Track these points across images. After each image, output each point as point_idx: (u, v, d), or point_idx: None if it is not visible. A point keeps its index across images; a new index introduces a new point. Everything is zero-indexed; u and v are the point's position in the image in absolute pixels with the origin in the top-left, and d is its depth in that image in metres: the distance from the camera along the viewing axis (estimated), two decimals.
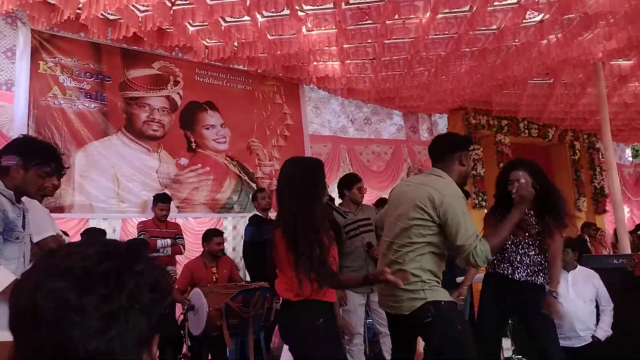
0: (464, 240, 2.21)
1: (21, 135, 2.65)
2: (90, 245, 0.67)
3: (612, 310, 3.70)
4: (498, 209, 2.95)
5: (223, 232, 4.54)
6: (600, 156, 9.90)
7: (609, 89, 6.93)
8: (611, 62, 6.38)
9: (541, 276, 2.92)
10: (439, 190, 2.28)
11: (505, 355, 4.26)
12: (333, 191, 7.02)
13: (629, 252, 5.85)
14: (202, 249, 4.47)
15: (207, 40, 5.19)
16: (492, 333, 2.98)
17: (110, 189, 5.35)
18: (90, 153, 5.27)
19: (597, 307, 3.78)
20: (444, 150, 2.50)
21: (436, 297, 2.29)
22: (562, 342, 3.64)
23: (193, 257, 4.97)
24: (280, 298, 2.27)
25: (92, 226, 4.53)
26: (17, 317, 0.62)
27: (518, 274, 2.91)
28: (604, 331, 3.65)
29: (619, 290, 3.74)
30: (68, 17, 4.13)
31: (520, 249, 2.94)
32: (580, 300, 3.67)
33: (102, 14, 4.50)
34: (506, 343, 4.38)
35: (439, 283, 2.36)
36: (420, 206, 2.28)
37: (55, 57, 5.06)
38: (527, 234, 2.93)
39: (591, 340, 3.62)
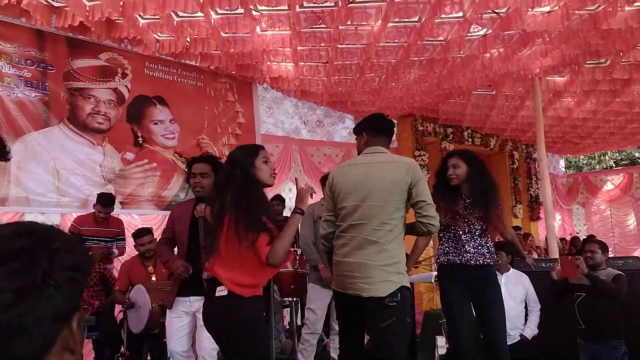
0: (431, 212, 2.42)
1: None
2: (7, 226, 0.69)
3: (539, 310, 3.96)
4: (437, 190, 3.13)
5: (151, 231, 4.35)
6: (537, 166, 10.51)
7: (545, 103, 7.39)
8: (547, 78, 6.80)
9: (488, 257, 3.05)
10: (410, 164, 2.47)
11: (439, 353, 4.44)
12: (282, 191, 7.09)
13: (557, 256, 6.25)
14: None
15: (159, 34, 5.09)
16: (468, 324, 2.99)
17: (49, 182, 5.13)
18: (29, 144, 5.04)
19: (525, 307, 4.03)
20: (389, 131, 2.65)
21: (405, 282, 2.39)
22: None
23: None
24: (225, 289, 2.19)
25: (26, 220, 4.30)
26: None
27: (472, 260, 3.00)
28: (531, 330, 3.89)
29: (546, 292, 4.01)
30: (9, 1, 3.94)
31: (467, 237, 3.04)
32: (512, 301, 3.89)
33: (46, 0, 4.33)
34: (441, 341, 4.56)
35: None
36: (398, 182, 2.39)
37: None
38: (467, 222, 3.03)
39: (519, 338, 3.86)
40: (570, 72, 6.48)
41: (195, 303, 2.99)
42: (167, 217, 3.27)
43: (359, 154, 2.65)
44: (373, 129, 2.61)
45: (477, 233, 3.04)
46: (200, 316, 2.81)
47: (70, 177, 5.27)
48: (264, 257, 2.12)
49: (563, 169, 13.25)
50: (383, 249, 2.36)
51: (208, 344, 2.89)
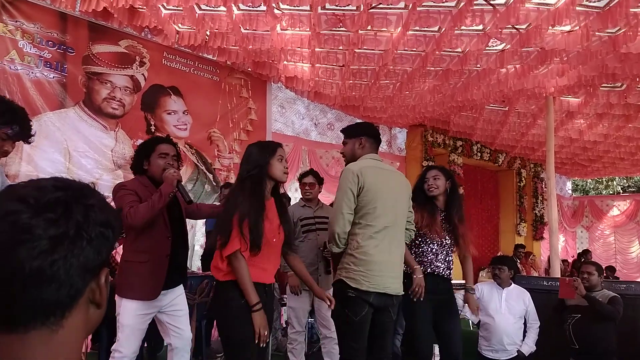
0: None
1: None
2: (48, 179, 0.73)
3: (538, 328, 3.96)
4: (418, 200, 3.18)
5: None
6: (544, 186, 10.49)
7: (557, 123, 7.39)
8: (561, 98, 6.80)
9: (450, 271, 3.23)
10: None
11: None
12: (289, 190, 7.11)
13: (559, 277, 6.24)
14: None
15: (179, 25, 5.14)
16: (429, 332, 3.11)
17: (60, 163, 5.18)
18: (43, 124, 5.08)
19: (524, 323, 4.03)
20: (380, 142, 2.78)
21: None
22: (489, 355, 3.87)
23: None
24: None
25: None
26: None
27: (441, 271, 3.16)
28: (529, 347, 3.88)
29: (545, 309, 4.01)
30: None
31: (438, 249, 3.17)
32: (511, 316, 3.89)
33: None
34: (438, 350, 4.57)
35: None
36: (409, 192, 2.68)
37: (17, 21, 4.86)
38: (442, 235, 3.17)
39: (516, 354, 3.85)
40: (585, 93, 6.47)
41: (169, 294, 2.79)
42: (123, 193, 2.71)
43: (353, 158, 2.69)
44: (373, 137, 2.70)
45: (447, 246, 3.19)
46: (175, 308, 2.82)
47: (81, 159, 5.32)
48: (223, 257, 2.25)
49: (569, 191, 13.20)
50: (402, 250, 2.58)
51: (188, 335, 2.85)
